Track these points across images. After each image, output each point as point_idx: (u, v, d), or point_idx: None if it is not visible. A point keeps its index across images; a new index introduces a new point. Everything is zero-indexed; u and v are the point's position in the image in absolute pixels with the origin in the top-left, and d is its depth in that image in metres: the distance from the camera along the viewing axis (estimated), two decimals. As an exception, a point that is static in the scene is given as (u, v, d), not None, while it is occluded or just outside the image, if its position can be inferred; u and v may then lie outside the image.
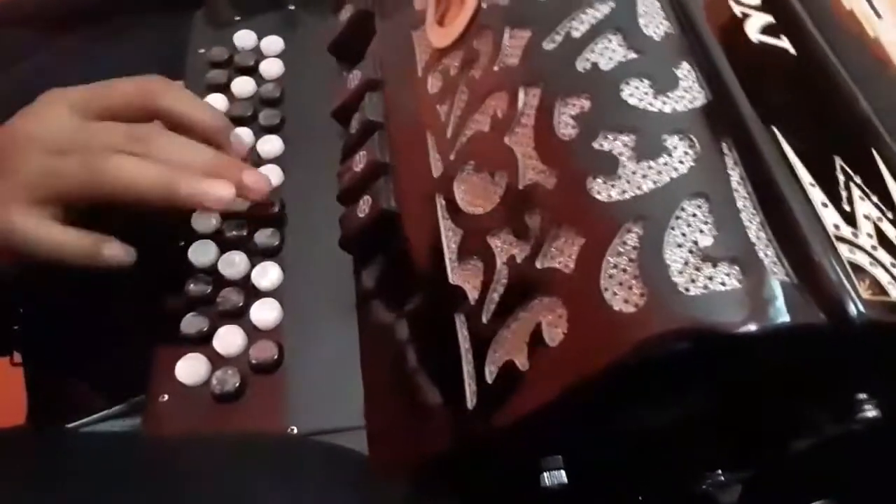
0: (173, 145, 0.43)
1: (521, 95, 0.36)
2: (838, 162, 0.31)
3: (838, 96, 0.34)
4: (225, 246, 0.46)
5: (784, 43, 0.35)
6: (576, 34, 0.35)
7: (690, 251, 0.29)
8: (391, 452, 0.38)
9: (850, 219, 0.30)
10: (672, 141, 0.31)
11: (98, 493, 0.37)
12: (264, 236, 0.47)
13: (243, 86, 0.55)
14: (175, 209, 0.43)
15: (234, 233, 0.47)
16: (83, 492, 0.37)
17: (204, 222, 0.47)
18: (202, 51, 0.57)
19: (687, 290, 0.28)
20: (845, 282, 0.27)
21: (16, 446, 0.41)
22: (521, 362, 0.31)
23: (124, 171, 0.41)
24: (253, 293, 0.45)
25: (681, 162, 0.31)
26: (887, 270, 0.29)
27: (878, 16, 0.38)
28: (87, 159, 0.41)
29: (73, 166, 0.41)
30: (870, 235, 0.29)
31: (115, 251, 0.43)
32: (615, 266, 0.29)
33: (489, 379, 0.33)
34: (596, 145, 0.32)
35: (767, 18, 0.36)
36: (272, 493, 0.37)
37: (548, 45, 0.36)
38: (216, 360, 0.43)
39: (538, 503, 0.33)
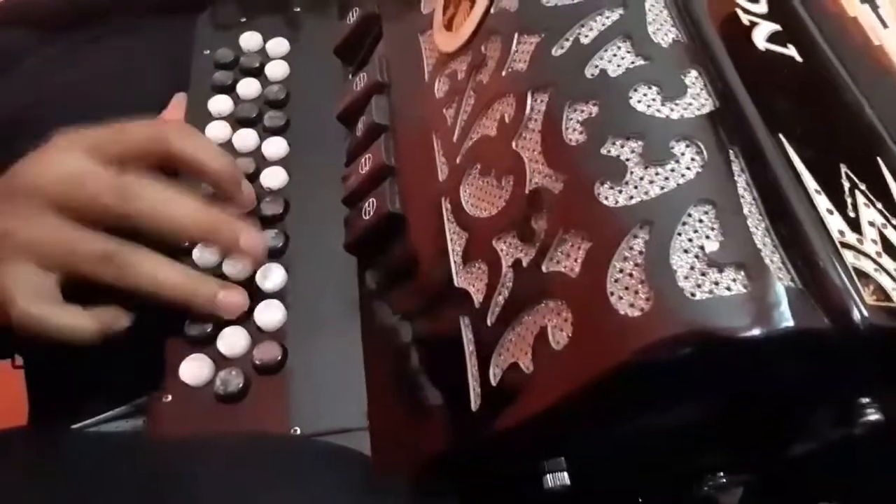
0: (162, 204, 0.42)
1: (528, 100, 0.36)
2: (843, 169, 0.31)
3: (844, 104, 0.35)
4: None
5: (791, 51, 0.36)
6: (584, 40, 0.35)
7: (697, 256, 0.29)
8: (394, 453, 0.38)
9: (854, 225, 0.30)
10: (679, 147, 0.31)
11: (102, 493, 0.37)
12: (268, 238, 0.47)
13: (248, 87, 0.55)
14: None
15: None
16: (87, 492, 0.37)
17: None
18: (207, 52, 0.57)
19: (693, 294, 0.28)
20: (850, 287, 0.28)
21: (19, 446, 0.41)
22: (526, 365, 0.31)
23: (149, 275, 0.41)
24: (257, 295, 0.45)
25: (688, 168, 0.31)
26: (892, 276, 0.29)
27: (885, 25, 0.39)
28: (109, 252, 0.40)
29: (93, 254, 0.40)
30: (874, 242, 0.30)
31: (124, 324, 0.42)
32: (621, 270, 0.30)
33: (493, 381, 0.33)
34: (604, 151, 0.32)
35: (774, 27, 0.36)
36: (275, 493, 0.37)
37: (556, 51, 0.36)
38: (220, 361, 0.43)
39: (541, 505, 0.33)
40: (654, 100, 0.33)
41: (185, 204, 0.42)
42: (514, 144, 0.36)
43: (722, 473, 0.34)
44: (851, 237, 0.29)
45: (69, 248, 0.40)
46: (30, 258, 0.40)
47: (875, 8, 0.40)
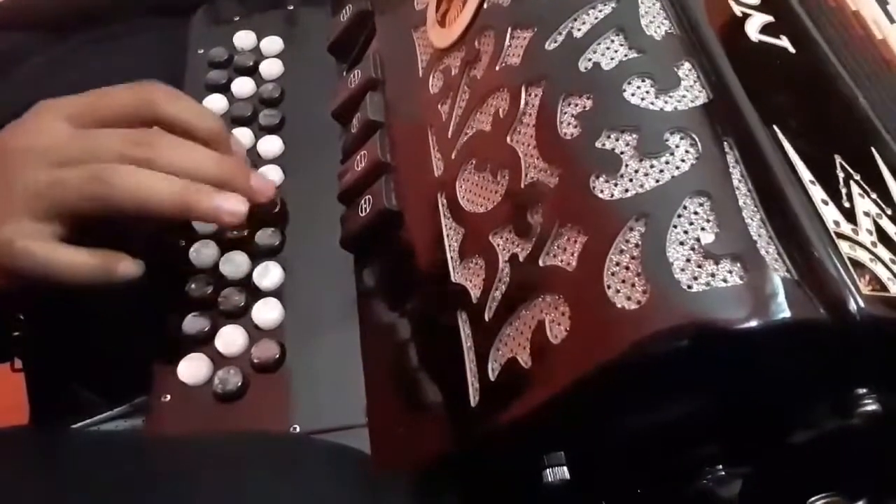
0: (179, 150, 0.42)
1: (522, 95, 0.36)
2: (838, 160, 0.31)
3: (837, 95, 0.35)
4: (226, 246, 0.46)
5: (784, 42, 0.36)
6: (577, 34, 0.36)
7: (693, 248, 0.29)
8: (393, 450, 0.38)
9: (850, 216, 0.30)
10: (674, 139, 0.31)
11: (101, 492, 0.37)
12: (265, 236, 0.47)
13: (243, 86, 0.55)
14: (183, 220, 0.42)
15: (235, 233, 0.47)
16: (86, 491, 0.37)
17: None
18: (202, 51, 0.57)
19: (689, 287, 0.28)
20: (846, 278, 0.28)
21: (19, 446, 0.41)
22: (524, 360, 0.32)
23: (137, 183, 0.40)
24: (254, 293, 0.45)
25: (683, 160, 0.31)
26: (887, 266, 0.29)
27: (892, 20, 0.39)
28: (94, 169, 0.40)
29: (79, 177, 0.39)
30: (869, 232, 0.30)
31: (129, 268, 0.42)
32: (618, 264, 0.30)
33: (492, 377, 0.33)
34: (598, 144, 0.32)
35: (767, 18, 0.36)
36: (274, 491, 0.37)
37: (550, 45, 0.36)
38: (218, 360, 0.43)
39: (540, 500, 0.33)
40: (647, 92, 0.33)
41: (204, 150, 0.43)
42: (508, 139, 0.36)
43: (721, 466, 0.34)
44: (846, 227, 0.29)
45: (55, 183, 0.39)
46: (23, 214, 0.39)
47: (884, 4, 0.40)
